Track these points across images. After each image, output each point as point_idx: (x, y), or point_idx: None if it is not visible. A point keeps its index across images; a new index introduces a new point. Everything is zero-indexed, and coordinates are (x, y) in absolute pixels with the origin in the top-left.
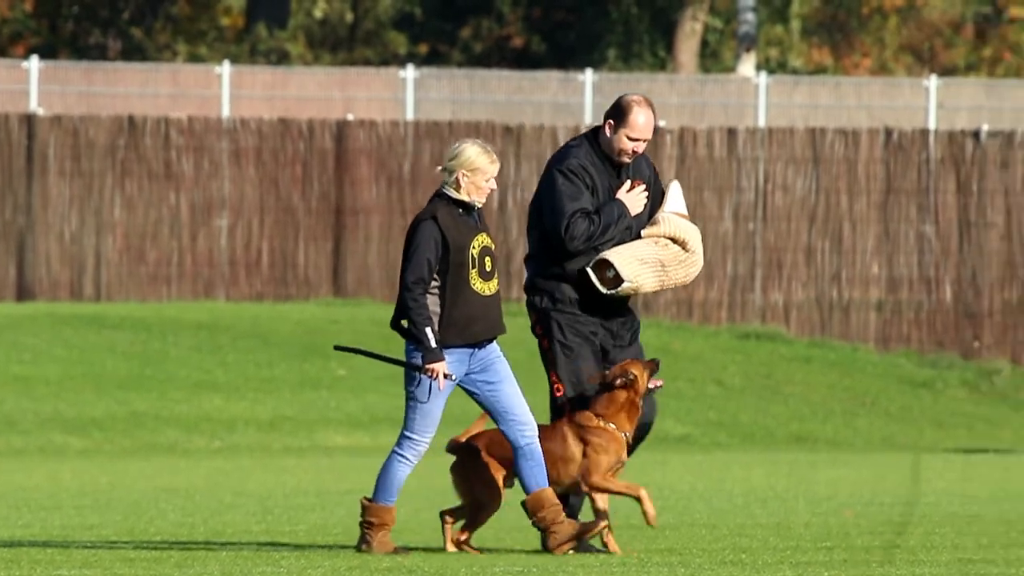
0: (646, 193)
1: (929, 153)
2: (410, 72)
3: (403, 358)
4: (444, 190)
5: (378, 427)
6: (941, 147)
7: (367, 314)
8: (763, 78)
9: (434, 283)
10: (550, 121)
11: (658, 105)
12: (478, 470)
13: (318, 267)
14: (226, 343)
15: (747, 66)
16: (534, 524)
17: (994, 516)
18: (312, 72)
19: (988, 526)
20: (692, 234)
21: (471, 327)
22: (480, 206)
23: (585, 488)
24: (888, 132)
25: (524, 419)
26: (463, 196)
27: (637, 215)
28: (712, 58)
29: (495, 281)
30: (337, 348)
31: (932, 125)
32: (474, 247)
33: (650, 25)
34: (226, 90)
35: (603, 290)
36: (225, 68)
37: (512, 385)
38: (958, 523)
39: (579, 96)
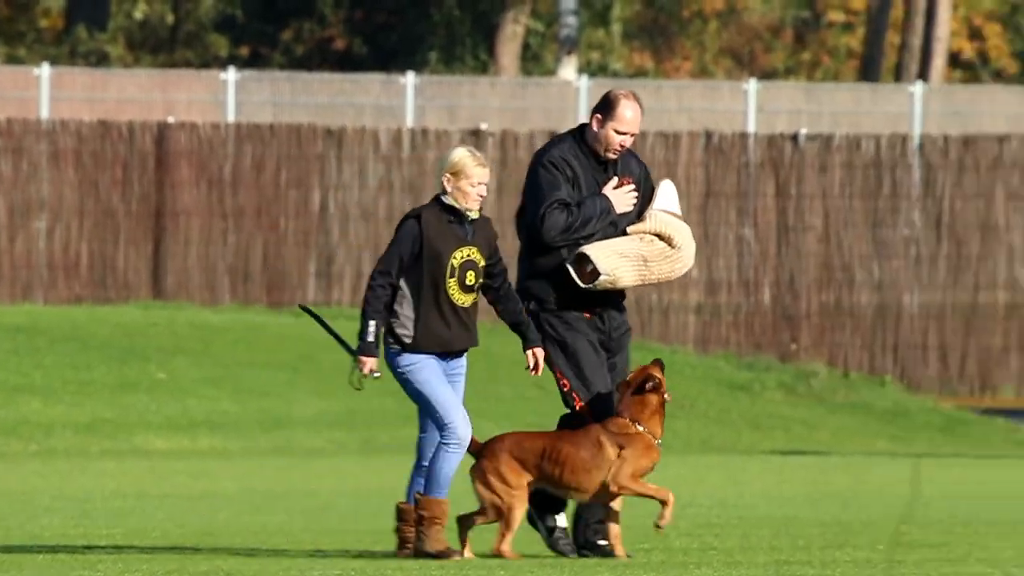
0: (635, 192)
1: (749, 156)
2: (231, 74)
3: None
4: (441, 196)
5: (196, 430)
6: (760, 150)
7: (186, 317)
8: (584, 81)
9: (414, 291)
10: (372, 123)
11: (479, 108)
12: (499, 473)
13: (138, 270)
14: (44, 346)
15: (568, 69)
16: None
17: (810, 518)
18: (132, 74)
19: (804, 528)
20: (680, 231)
21: (445, 336)
22: (472, 216)
23: (614, 488)
24: (708, 135)
25: (454, 425)
26: (452, 202)
27: (625, 214)
28: (533, 61)
29: (475, 295)
30: (302, 308)
31: (752, 128)
32: (455, 257)
33: (472, 28)
34: (45, 92)
35: (581, 284)
36: (44, 70)
37: (446, 388)
38: (775, 524)
39: (401, 98)
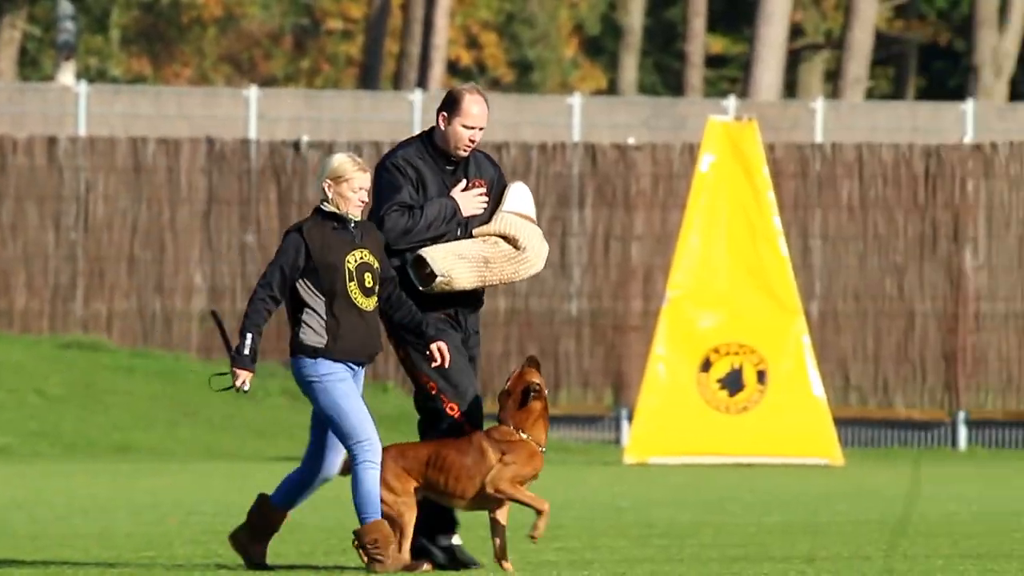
0: (485, 196)
1: (251, 163)
2: None
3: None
4: (320, 205)
5: None
6: (262, 157)
7: None
8: (83, 87)
9: (320, 301)
10: None
11: None
12: (385, 482)
13: None
14: None
15: (67, 75)
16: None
17: (315, 523)
18: None
19: (309, 533)
20: (527, 232)
21: (355, 343)
22: (355, 218)
23: (490, 489)
24: (210, 142)
25: (372, 441)
26: (332, 208)
27: (475, 216)
28: (32, 66)
29: (375, 298)
30: (213, 314)
31: (253, 135)
32: (349, 262)
33: None
34: None
35: (420, 287)
36: None
37: (361, 403)
38: (296, 530)
39: None
